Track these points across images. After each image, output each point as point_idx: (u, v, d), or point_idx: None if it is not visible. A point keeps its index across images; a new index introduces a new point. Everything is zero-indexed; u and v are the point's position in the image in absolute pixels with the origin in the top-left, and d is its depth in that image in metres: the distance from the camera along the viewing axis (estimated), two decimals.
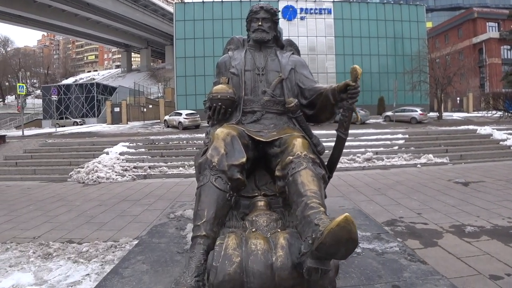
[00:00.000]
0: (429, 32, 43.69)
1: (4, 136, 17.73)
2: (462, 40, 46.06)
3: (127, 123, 33.48)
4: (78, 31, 63.33)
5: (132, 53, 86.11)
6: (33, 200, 8.61)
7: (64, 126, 34.89)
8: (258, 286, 1.74)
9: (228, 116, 2.86)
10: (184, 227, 3.23)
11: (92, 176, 11.08)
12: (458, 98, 39.36)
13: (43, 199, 8.75)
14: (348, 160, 12.03)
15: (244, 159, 2.28)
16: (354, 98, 2.46)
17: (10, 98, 70.28)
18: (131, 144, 14.52)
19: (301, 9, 37.23)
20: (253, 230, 2.08)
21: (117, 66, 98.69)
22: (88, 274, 4.02)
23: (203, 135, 13.87)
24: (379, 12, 38.34)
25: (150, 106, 41.03)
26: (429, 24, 47.88)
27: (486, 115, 20.23)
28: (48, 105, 39.33)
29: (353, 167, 11.60)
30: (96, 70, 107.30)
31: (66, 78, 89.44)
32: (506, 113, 19.03)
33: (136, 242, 4.87)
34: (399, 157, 12.24)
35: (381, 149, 13.16)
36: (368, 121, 25.31)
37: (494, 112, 19.70)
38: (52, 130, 29.26)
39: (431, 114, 31.66)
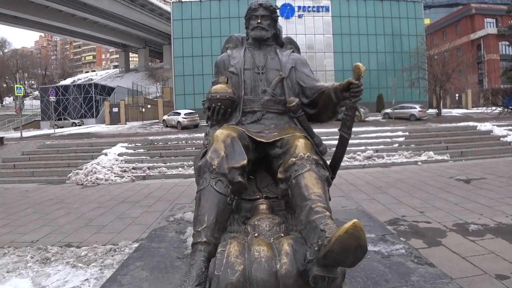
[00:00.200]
0: (427, 29, 43.61)
1: (2, 138, 17.63)
2: (460, 37, 46.05)
3: (125, 124, 33.38)
4: (75, 32, 63.12)
5: (130, 53, 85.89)
6: (31, 203, 8.53)
7: (63, 127, 34.78)
8: None
9: (228, 117, 2.78)
10: (184, 230, 3.15)
11: (91, 178, 11.00)
12: (457, 95, 39.33)
13: (41, 202, 8.67)
14: (349, 158, 11.95)
15: (245, 161, 2.20)
16: (357, 96, 2.38)
17: (8, 100, 70.12)
18: (129, 145, 14.44)
19: (299, 7, 37.13)
20: (256, 235, 2.00)
21: (115, 66, 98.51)
22: (87, 279, 3.95)
23: (202, 134, 13.80)
24: (377, 9, 38.24)
25: (149, 106, 40.92)
26: (427, 21, 47.80)
27: (485, 111, 20.16)
28: (46, 106, 39.19)
29: (353, 165, 11.53)
30: (94, 71, 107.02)
31: (64, 79, 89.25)
32: (506, 109, 18.96)
33: (136, 245, 4.82)
34: (399, 155, 12.18)
35: (381, 146, 13.10)
36: (367, 119, 25.26)
37: (493, 108, 19.62)
38: (51, 131, 29.13)
39: (430, 111, 31.63)
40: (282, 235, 2.00)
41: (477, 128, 15.41)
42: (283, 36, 3.34)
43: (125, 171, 11.79)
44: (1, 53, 76.00)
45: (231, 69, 2.90)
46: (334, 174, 2.70)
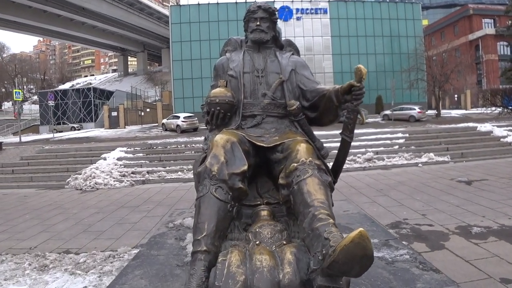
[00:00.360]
0: (425, 30, 43.79)
1: (0, 143, 17.56)
2: (458, 37, 46.16)
3: (125, 127, 33.34)
4: (74, 36, 63.19)
5: (129, 57, 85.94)
6: (29, 209, 8.47)
7: (62, 131, 34.74)
8: None
9: (227, 121, 2.73)
10: (184, 237, 3.10)
11: (90, 183, 10.94)
12: (456, 95, 39.38)
13: (40, 207, 8.60)
14: (349, 160, 11.89)
15: (245, 167, 2.15)
16: (359, 99, 2.34)
17: (7, 105, 70.08)
18: (129, 149, 14.38)
19: (297, 10, 37.20)
20: (257, 242, 1.95)
21: (114, 70, 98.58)
22: (85, 287, 3.88)
23: (202, 138, 13.72)
24: (375, 10, 38.34)
25: (148, 109, 40.90)
26: (425, 22, 47.99)
27: (485, 111, 20.16)
28: (45, 111, 39.18)
29: (353, 167, 11.48)
30: (93, 75, 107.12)
31: (63, 83, 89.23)
32: (505, 109, 18.94)
33: (135, 251, 4.77)
34: (400, 157, 12.12)
35: (382, 148, 13.05)
36: (367, 120, 25.26)
37: (493, 108, 19.60)
38: (50, 135, 29.09)
39: (429, 112, 31.63)
40: (284, 242, 1.94)
41: (477, 129, 15.38)
42: (282, 38, 3.31)
43: (124, 175, 11.72)
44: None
45: (230, 72, 2.85)
46: (336, 178, 2.65)
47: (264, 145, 2.39)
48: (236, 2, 36.15)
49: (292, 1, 37.25)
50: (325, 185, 2.01)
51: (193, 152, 13.96)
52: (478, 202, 6.69)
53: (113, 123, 34.61)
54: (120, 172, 11.88)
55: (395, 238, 3.03)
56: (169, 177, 11.49)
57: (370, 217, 3.69)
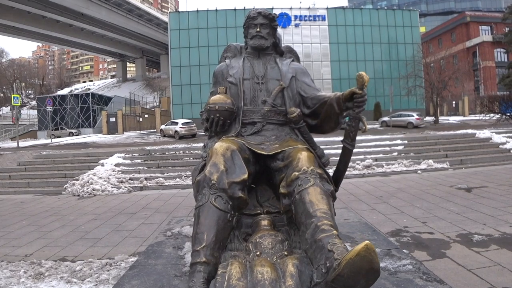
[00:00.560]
0: (423, 37, 44.03)
1: None
2: (455, 44, 46.44)
3: (123, 133, 33.25)
4: (73, 42, 63.29)
5: (127, 63, 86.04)
6: (26, 215, 8.37)
7: (60, 137, 34.64)
8: None
9: (227, 128, 2.69)
10: (182, 246, 3.04)
11: (87, 189, 10.85)
12: (453, 102, 39.51)
13: (36, 213, 8.51)
14: (348, 167, 11.84)
15: (245, 176, 2.10)
16: (361, 106, 2.32)
17: (5, 110, 69.80)
18: (127, 155, 14.30)
19: (295, 17, 37.39)
20: (258, 253, 1.91)
21: (112, 76, 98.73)
22: None
23: (200, 144, 13.67)
24: (373, 18, 38.58)
25: (146, 115, 40.87)
26: (422, 29, 48.27)
27: (483, 118, 20.22)
28: (44, 116, 39.12)
29: (352, 174, 11.44)
30: (92, 80, 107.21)
31: (61, 89, 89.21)
32: (503, 116, 18.99)
33: (132, 259, 4.70)
34: (399, 163, 12.09)
35: (381, 155, 13.03)
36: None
37: (492, 115, 19.66)
38: (48, 141, 28.98)
39: (427, 118, 31.72)
40: (286, 253, 1.90)
41: (476, 135, 15.38)
42: (282, 45, 3.28)
43: (122, 181, 11.64)
44: None
45: (229, 79, 2.82)
46: (337, 186, 2.62)
47: (265, 153, 2.35)
48: (235, 9, 36.33)
49: (291, 8, 37.46)
50: (328, 195, 1.97)
51: (191, 158, 13.90)
52: (478, 209, 6.64)
53: (112, 129, 34.53)
54: (118, 178, 11.80)
55: (397, 248, 2.98)
56: (167, 184, 11.41)
57: (371, 226, 3.64)
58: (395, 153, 13.23)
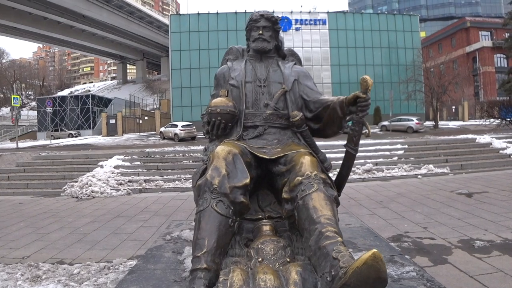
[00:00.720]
0: (423, 42, 44.14)
1: None
2: (455, 49, 46.54)
3: (122, 135, 33.20)
4: (73, 43, 63.36)
5: (128, 65, 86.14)
6: (24, 216, 8.32)
7: (59, 138, 34.58)
8: None
9: (228, 131, 2.66)
10: (182, 250, 2.99)
11: (86, 191, 10.80)
12: (453, 107, 39.53)
13: (34, 215, 8.45)
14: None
15: (247, 180, 2.06)
16: (365, 111, 2.29)
17: (4, 110, 69.74)
18: (126, 157, 14.26)
19: (296, 20, 37.45)
20: (259, 259, 1.86)
21: (113, 78, 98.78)
22: None
23: (200, 147, 13.61)
24: (373, 22, 38.65)
25: (146, 117, 40.82)
26: (422, 34, 48.41)
27: (484, 123, 20.23)
28: (43, 117, 39.07)
29: (353, 178, 11.40)
30: (92, 82, 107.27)
31: (62, 90, 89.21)
32: (503, 121, 18.99)
33: (130, 263, 4.65)
34: (399, 168, 12.07)
35: (381, 159, 13.00)
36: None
37: (492, 120, 19.67)
38: (47, 142, 28.92)
39: (427, 123, 31.71)
40: (288, 260, 1.86)
41: (476, 140, 15.37)
42: (284, 48, 3.25)
43: (121, 184, 11.60)
44: None
45: (231, 81, 2.79)
46: (340, 191, 2.57)
47: (267, 157, 2.31)
48: (235, 12, 36.39)
49: (291, 11, 37.53)
50: (331, 200, 1.93)
51: (191, 161, 13.86)
52: (479, 215, 6.61)
53: (111, 131, 34.48)
54: (117, 181, 11.76)
55: (400, 254, 2.94)
56: (166, 186, 11.37)
57: (373, 231, 3.60)
58: (395, 158, 13.21)
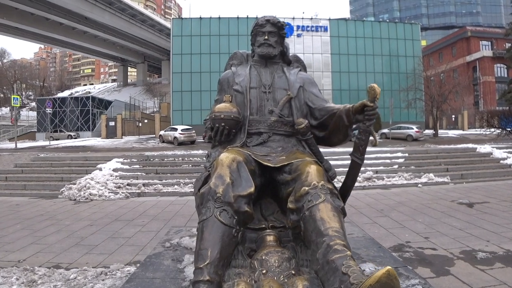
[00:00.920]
0: (424, 51, 44.29)
1: None
2: (456, 58, 46.68)
3: (122, 138, 33.12)
4: (75, 45, 63.52)
5: (129, 67, 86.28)
6: (21, 218, 8.22)
7: (58, 139, 34.47)
8: None
9: (232, 138, 2.61)
10: (182, 258, 2.93)
11: (84, 193, 10.70)
12: (453, 116, 39.57)
13: (31, 217, 8.36)
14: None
15: (252, 189, 2.01)
16: (372, 119, 2.24)
17: (4, 110, 69.65)
18: (125, 160, 14.18)
19: (298, 27, 37.57)
20: (264, 271, 1.81)
21: (113, 80, 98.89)
22: None
23: (199, 151, 13.51)
24: (374, 30, 38.81)
25: (146, 120, 40.79)
26: (423, 43, 48.62)
27: (484, 132, 20.23)
28: (43, 118, 39.00)
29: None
30: (92, 84, 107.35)
31: (62, 91, 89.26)
32: (504, 131, 18.98)
33: (128, 269, 4.57)
34: (399, 176, 12.00)
35: (381, 168, 12.94)
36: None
37: (492, 129, 19.67)
38: (46, 143, 28.83)
39: (427, 131, 31.72)
40: (293, 272, 1.80)
41: (477, 150, 15.34)
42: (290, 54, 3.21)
43: (119, 187, 11.50)
44: (0, 63, 76.10)
45: (235, 87, 2.74)
46: (344, 201, 2.52)
47: (271, 165, 2.26)
48: (237, 17, 36.50)
49: (293, 18, 37.64)
50: (339, 212, 1.88)
51: (190, 165, 13.79)
52: (481, 225, 6.55)
53: (110, 133, 34.41)
54: (116, 184, 11.66)
55: (405, 266, 2.88)
56: (165, 191, 11.28)
57: (376, 242, 3.54)
58: (396, 166, 13.15)
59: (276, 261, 1.86)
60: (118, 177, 12.40)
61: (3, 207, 9.75)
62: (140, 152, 18.05)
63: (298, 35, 37.46)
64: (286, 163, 2.26)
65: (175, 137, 25.68)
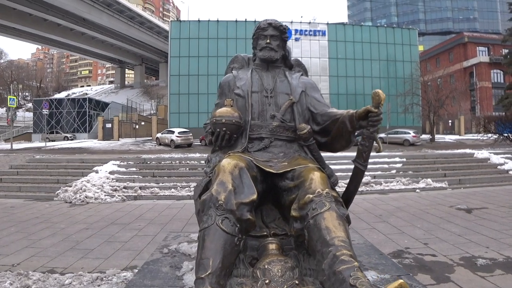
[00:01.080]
0: (421, 56, 44.53)
1: None
2: (453, 64, 46.97)
3: (118, 140, 32.99)
4: (72, 46, 63.36)
5: (126, 69, 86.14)
6: (15, 221, 8.11)
7: (54, 140, 34.29)
8: None
9: (233, 143, 2.55)
10: (180, 265, 2.87)
11: (80, 196, 10.60)
12: (450, 121, 39.74)
13: (26, 219, 8.25)
14: (345, 184, 11.71)
15: (254, 196, 1.95)
16: (376, 126, 2.20)
17: (0, 111, 69.32)
18: (122, 163, 14.08)
19: (296, 31, 37.65)
20: (266, 281, 1.75)
21: (111, 82, 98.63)
22: None
23: (196, 155, 13.41)
24: (372, 35, 38.98)
25: (143, 123, 40.68)
26: (420, 48, 48.85)
27: (481, 138, 20.33)
28: (39, 119, 38.83)
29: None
30: (89, 85, 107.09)
31: (59, 92, 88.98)
32: (501, 136, 19.07)
33: (124, 274, 4.50)
34: (397, 181, 11.98)
35: (379, 172, 12.93)
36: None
37: (489, 135, 19.77)
38: (42, 144, 28.65)
39: (424, 136, 31.82)
40: (297, 282, 1.75)
41: (474, 155, 15.37)
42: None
43: (116, 190, 11.41)
44: None
45: (237, 91, 2.69)
46: (347, 208, 2.47)
47: (273, 171, 2.21)
48: (236, 21, 36.54)
49: (292, 22, 37.73)
50: (344, 220, 1.83)
51: (187, 169, 13.71)
52: (480, 231, 6.51)
53: (107, 135, 34.27)
54: (112, 187, 11.57)
55: (408, 274, 2.83)
56: (162, 194, 11.19)
57: (377, 249, 3.49)
58: (394, 171, 13.15)
59: (279, 270, 1.81)
60: (115, 180, 12.31)
61: None
62: (137, 154, 17.95)
63: (296, 39, 37.53)
64: (288, 169, 2.21)
65: (172, 140, 25.60)
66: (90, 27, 54.15)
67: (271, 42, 2.78)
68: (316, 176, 2.01)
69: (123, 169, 13.49)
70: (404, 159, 14.52)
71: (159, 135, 28.43)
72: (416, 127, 32.88)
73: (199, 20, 37.06)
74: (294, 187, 2.09)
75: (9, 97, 26.69)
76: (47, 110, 30.44)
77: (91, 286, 4.25)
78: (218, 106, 2.76)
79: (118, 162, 14.10)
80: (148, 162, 14.55)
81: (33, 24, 49.85)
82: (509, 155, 15.48)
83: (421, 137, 28.75)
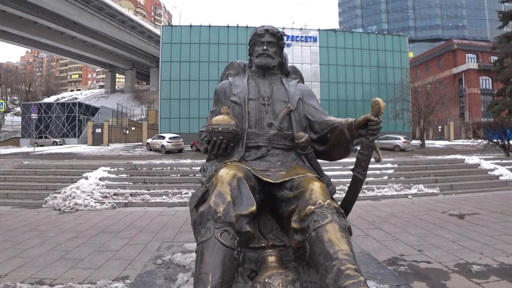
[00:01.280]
0: (411, 62, 45.12)
1: None
2: (442, 70, 47.65)
3: (108, 145, 32.64)
4: (63, 49, 62.69)
5: (117, 74, 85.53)
6: (2, 229, 7.90)
7: (43, 145, 33.79)
8: None
9: (229, 151, 2.49)
10: (175, 276, 2.79)
11: (69, 203, 10.39)
12: (439, 127, 40.19)
13: (14, 228, 8.04)
14: (338, 190, 11.67)
15: (254, 207, 1.90)
16: (375, 134, 2.17)
17: None
18: (112, 169, 13.89)
19: (287, 36, 37.52)
20: None
21: (101, 86, 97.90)
22: None
23: (188, 161, 13.28)
24: (363, 41, 39.37)
25: (133, 128, 40.35)
26: (410, 54, 49.48)
27: (471, 144, 20.58)
28: (28, 123, 38.30)
29: (343, 197, 11.27)
30: (79, 90, 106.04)
31: (48, 96, 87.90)
32: (490, 142, 19.32)
33: (115, 285, 4.38)
34: (389, 188, 12.02)
35: (371, 178, 12.95)
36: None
37: (479, 141, 20.03)
38: (30, 149, 28.20)
39: (414, 142, 32.11)
40: None
41: (465, 161, 15.51)
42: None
43: (106, 197, 11.22)
44: None
45: (233, 98, 2.64)
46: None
47: (272, 181, 2.16)
48: (228, 26, 36.60)
49: (283, 27, 37.87)
50: (346, 232, 1.78)
51: (178, 175, 13.58)
52: (473, 237, 6.53)
53: (97, 140, 33.89)
54: (102, 193, 11.38)
55: (407, 284, 2.79)
56: (153, 201, 11.04)
57: (374, 258, 3.45)
58: (386, 177, 13.19)
59: (280, 284, 1.75)
60: (105, 186, 12.12)
61: None
62: (127, 160, 17.75)
63: (288, 45, 37.45)
64: (287, 178, 2.16)
65: (162, 145, 25.42)
66: (81, 30, 53.75)
67: (268, 49, 2.74)
68: (316, 187, 1.96)
69: (114, 176, 13.30)
70: (396, 165, 14.59)
71: (149, 140, 28.22)
72: (406, 133, 33.18)
73: (191, 25, 37.03)
74: (294, 198, 2.04)
75: None
76: (36, 115, 30.01)
77: None
78: (214, 114, 2.70)
79: (108, 168, 13.90)
80: (139, 168, 14.38)
81: (23, 27, 49.27)
82: (499, 161, 15.67)
83: (411, 142, 29.00)
